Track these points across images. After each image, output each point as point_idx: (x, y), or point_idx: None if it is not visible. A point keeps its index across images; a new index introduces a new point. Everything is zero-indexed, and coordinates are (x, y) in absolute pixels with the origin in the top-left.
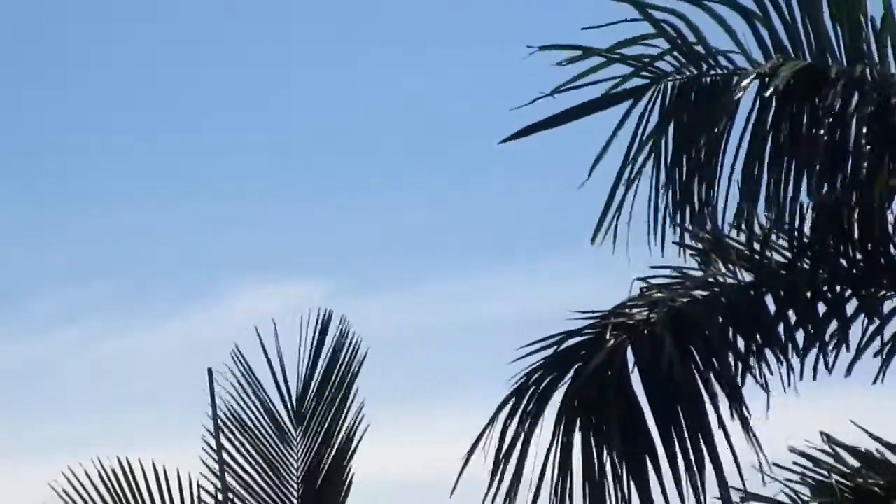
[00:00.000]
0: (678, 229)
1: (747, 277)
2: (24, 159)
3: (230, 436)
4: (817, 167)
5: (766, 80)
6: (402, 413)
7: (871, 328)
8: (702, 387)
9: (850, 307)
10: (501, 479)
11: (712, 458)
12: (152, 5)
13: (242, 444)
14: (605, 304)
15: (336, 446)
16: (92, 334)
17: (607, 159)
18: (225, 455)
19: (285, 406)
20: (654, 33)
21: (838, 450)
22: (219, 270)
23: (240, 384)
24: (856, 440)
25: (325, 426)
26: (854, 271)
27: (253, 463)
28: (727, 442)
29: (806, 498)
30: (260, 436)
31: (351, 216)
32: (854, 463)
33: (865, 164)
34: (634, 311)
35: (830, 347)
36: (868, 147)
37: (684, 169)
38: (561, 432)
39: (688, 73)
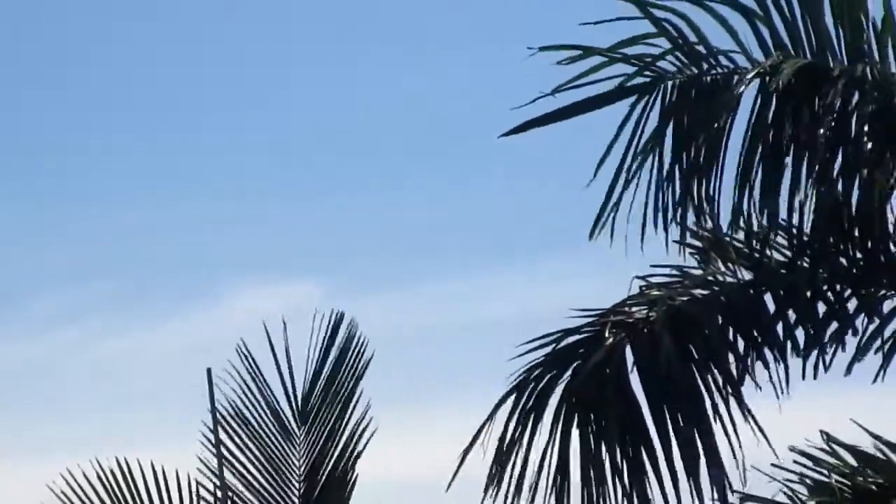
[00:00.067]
0: (678, 227)
1: (747, 276)
2: (24, 159)
3: (231, 433)
4: (817, 166)
5: (767, 78)
6: (402, 413)
7: (872, 327)
8: (701, 385)
9: (850, 306)
10: (501, 475)
11: (711, 456)
12: (152, 5)
13: (243, 441)
14: (605, 304)
15: (340, 446)
16: (92, 334)
17: (600, 157)
18: (225, 452)
19: (290, 404)
20: (655, 32)
21: (838, 449)
22: (219, 270)
23: (243, 381)
24: (856, 439)
25: (330, 426)
26: (854, 270)
27: (253, 460)
28: (728, 440)
29: (804, 497)
30: (262, 433)
31: (351, 216)
32: (853, 462)
33: (865, 163)
34: (633, 309)
35: (830, 347)
36: (868, 146)
37: (684, 167)
38: (559, 430)
39: (688, 73)
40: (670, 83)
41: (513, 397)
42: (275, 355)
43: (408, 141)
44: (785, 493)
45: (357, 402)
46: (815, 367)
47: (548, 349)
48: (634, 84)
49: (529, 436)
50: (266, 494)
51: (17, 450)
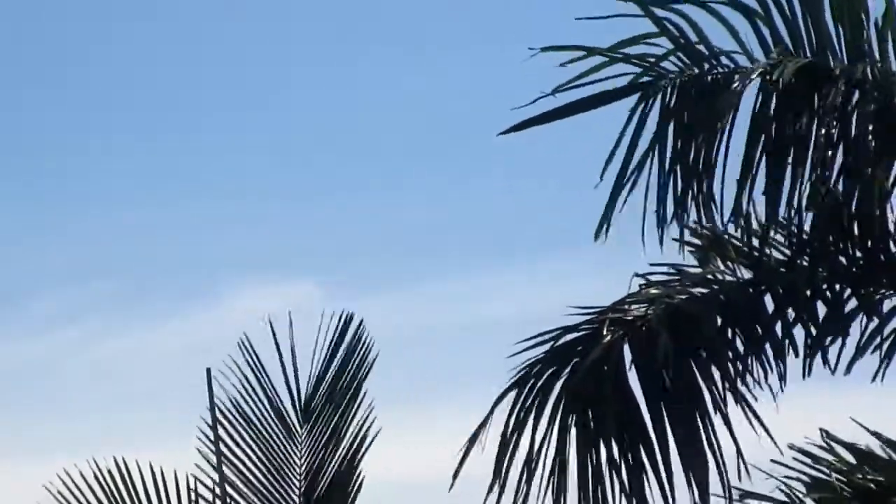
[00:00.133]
0: (678, 226)
1: (746, 275)
2: (24, 159)
3: (231, 429)
4: (817, 165)
5: (768, 77)
6: (402, 413)
7: (871, 326)
8: (700, 383)
9: (850, 305)
10: (503, 471)
11: (698, 456)
12: (152, 5)
13: (243, 438)
14: (605, 304)
15: (343, 446)
16: (92, 334)
17: (607, 157)
18: (225, 449)
19: (293, 403)
20: (656, 32)
21: (837, 447)
22: (219, 270)
23: (244, 376)
24: (855, 438)
25: (333, 425)
26: (854, 269)
27: (254, 458)
28: (732, 437)
29: (801, 494)
30: (263, 430)
31: (351, 216)
32: (852, 460)
33: (866, 162)
34: (632, 307)
35: (829, 346)
36: (868, 145)
37: (685, 166)
38: (557, 426)
39: (689, 73)
40: (671, 83)
41: (513, 393)
42: (279, 352)
43: (408, 141)
44: (782, 491)
45: (361, 401)
46: (812, 365)
47: (546, 346)
48: (636, 83)
49: (531, 432)
50: (266, 493)
51: (17, 450)
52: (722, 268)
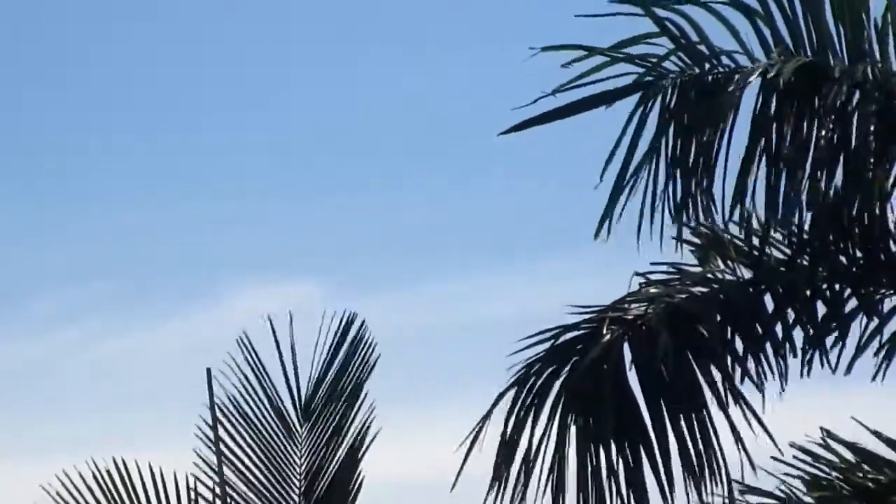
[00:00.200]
0: (677, 225)
1: (746, 274)
2: (24, 159)
3: (231, 428)
4: (818, 164)
5: (768, 76)
6: (402, 413)
7: (871, 326)
8: (701, 382)
9: (850, 305)
10: (503, 470)
11: (708, 452)
12: (152, 5)
13: (243, 437)
14: (605, 304)
15: (344, 446)
16: (92, 334)
17: (607, 157)
18: (224, 449)
19: (293, 401)
20: (657, 32)
21: (837, 445)
22: (219, 270)
23: (244, 375)
24: (856, 437)
25: (334, 424)
26: (854, 269)
27: (253, 457)
28: (734, 435)
29: (801, 492)
30: (263, 429)
31: (351, 216)
32: (852, 458)
33: (866, 162)
34: (632, 306)
35: (829, 345)
36: (869, 145)
37: (686, 166)
38: (556, 425)
39: (690, 73)
40: (672, 83)
41: (513, 391)
42: (279, 351)
43: (408, 141)
44: (780, 489)
45: (362, 401)
46: (811, 364)
47: (546, 345)
48: (637, 83)
49: (530, 430)
50: (266, 493)
51: (17, 450)
52: (722, 267)
